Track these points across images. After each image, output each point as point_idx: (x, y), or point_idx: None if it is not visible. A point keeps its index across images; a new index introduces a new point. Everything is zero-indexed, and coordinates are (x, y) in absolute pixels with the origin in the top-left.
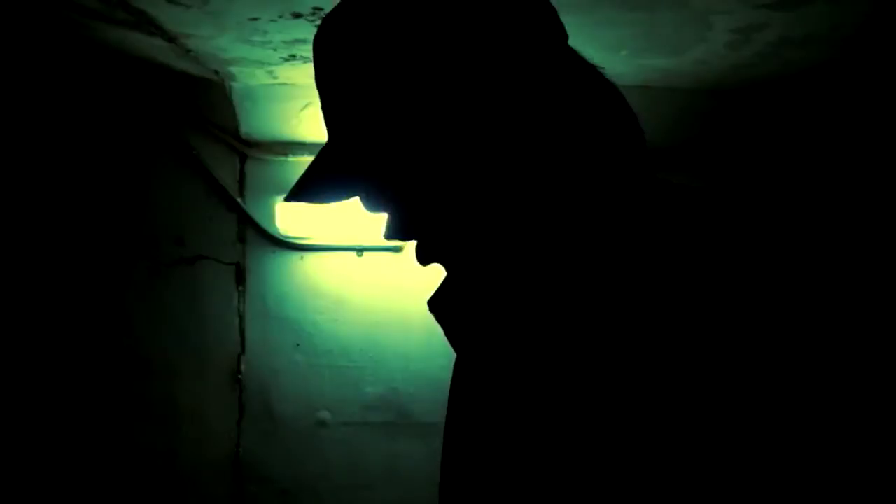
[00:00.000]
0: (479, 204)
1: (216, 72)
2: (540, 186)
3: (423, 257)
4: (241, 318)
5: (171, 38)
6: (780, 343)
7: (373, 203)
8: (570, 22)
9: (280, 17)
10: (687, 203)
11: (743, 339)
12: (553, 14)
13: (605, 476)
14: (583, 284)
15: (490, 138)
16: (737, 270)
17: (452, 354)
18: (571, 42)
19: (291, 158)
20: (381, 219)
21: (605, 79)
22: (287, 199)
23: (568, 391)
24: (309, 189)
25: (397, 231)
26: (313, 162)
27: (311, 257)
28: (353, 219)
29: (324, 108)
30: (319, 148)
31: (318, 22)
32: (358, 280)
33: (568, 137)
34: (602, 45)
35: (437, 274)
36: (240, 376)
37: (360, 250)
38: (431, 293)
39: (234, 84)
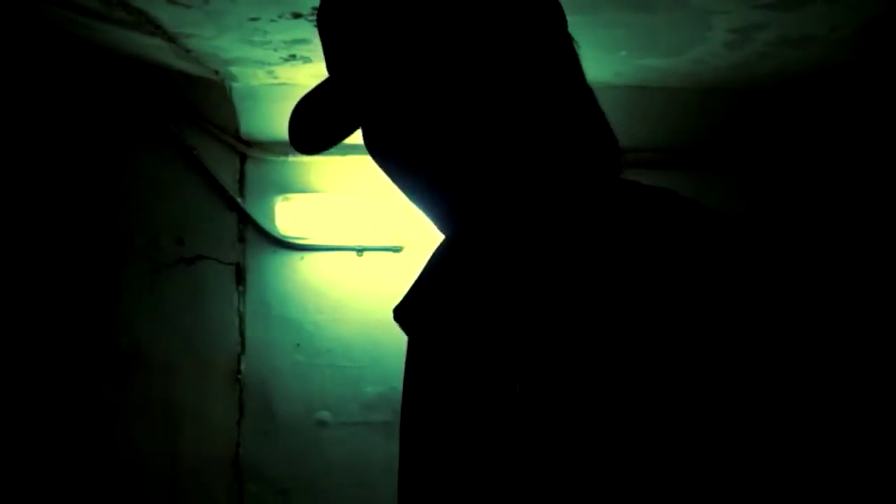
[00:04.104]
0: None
1: (216, 72)
2: (516, 175)
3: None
4: (241, 318)
5: (171, 38)
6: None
7: (373, 139)
8: (569, 22)
9: (280, 17)
10: (648, 202)
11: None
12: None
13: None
14: (551, 279)
15: (478, 116)
16: (692, 266)
17: None
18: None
19: (291, 158)
20: (382, 219)
21: (586, 82)
22: (296, 147)
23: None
24: (308, 127)
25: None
26: (308, 94)
27: (311, 257)
28: (353, 219)
29: (331, 47)
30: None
31: None
32: (358, 280)
33: (548, 134)
34: (601, 46)
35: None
36: (240, 376)
37: (360, 250)
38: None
39: (234, 84)
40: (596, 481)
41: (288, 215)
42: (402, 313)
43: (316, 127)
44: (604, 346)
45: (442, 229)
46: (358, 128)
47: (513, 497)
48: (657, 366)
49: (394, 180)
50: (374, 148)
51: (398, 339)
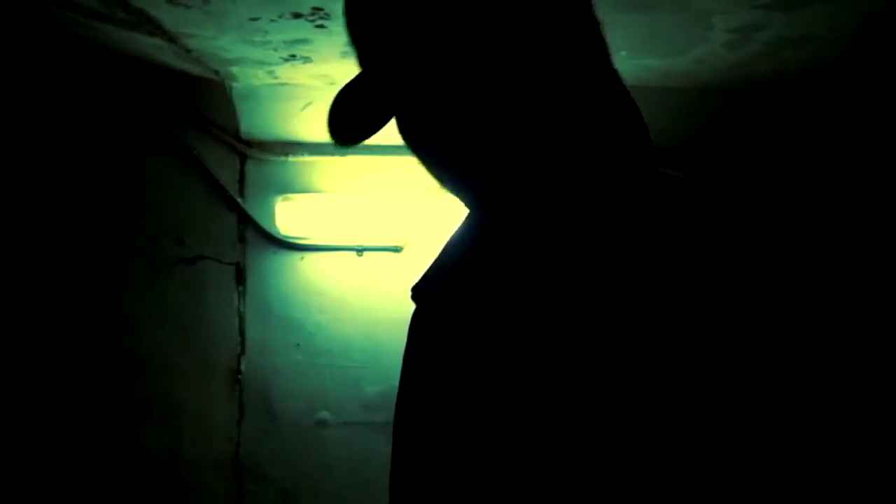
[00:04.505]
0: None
1: (217, 72)
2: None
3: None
4: (241, 318)
5: (171, 39)
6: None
7: (405, 126)
8: None
9: (280, 17)
10: (684, 193)
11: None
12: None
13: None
14: (586, 266)
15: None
16: (721, 254)
17: None
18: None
19: (291, 158)
20: (382, 219)
21: (619, 77)
22: (334, 138)
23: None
24: (346, 119)
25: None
26: (344, 90)
27: (311, 257)
28: (353, 219)
29: (361, 41)
30: (319, 148)
31: (319, 22)
32: (358, 280)
33: (577, 121)
34: None
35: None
36: (240, 376)
37: (360, 250)
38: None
39: (234, 84)
40: (615, 469)
41: (288, 215)
42: (421, 292)
43: (353, 119)
44: (629, 334)
45: (473, 210)
46: (391, 118)
47: (531, 481)
48: (681, 355)
49: (426, 166)
50: (407, 134)
51: (398, 339)
